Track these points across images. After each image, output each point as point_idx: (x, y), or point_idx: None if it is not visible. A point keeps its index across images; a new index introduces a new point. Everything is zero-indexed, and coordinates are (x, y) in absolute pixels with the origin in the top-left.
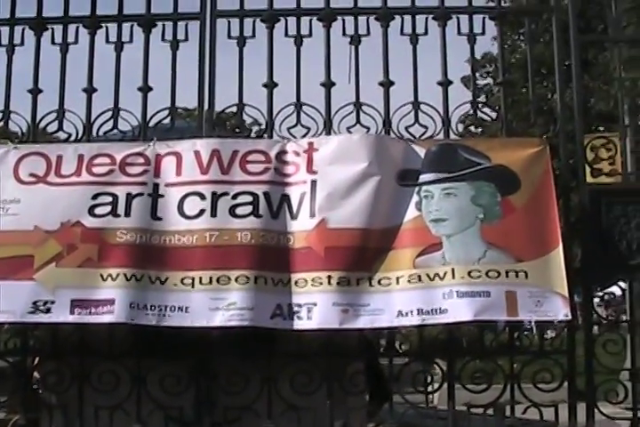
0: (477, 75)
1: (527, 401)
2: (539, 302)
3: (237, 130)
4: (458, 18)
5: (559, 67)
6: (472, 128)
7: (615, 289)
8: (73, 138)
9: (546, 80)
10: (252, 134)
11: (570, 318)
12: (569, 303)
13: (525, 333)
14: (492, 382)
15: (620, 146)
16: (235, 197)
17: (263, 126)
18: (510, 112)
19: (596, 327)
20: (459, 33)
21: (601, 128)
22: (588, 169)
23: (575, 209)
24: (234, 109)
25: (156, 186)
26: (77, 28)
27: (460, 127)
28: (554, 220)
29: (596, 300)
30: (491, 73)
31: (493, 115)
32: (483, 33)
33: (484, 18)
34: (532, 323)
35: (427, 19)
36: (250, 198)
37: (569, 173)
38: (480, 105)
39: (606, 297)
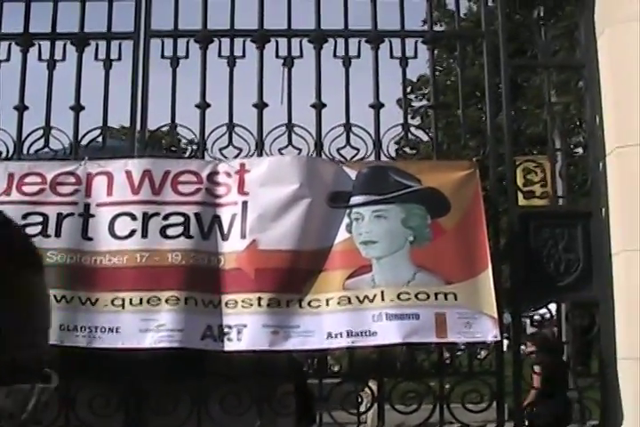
0: (413, 96)
1: (457, 422)
2: (468, 324)
3: (173, 148)
4: (390, 41)
5: (490, 90)
6: (406, 149)
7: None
8: (3, 156)
9: (480, 102)
10: (188, 153)
11: (498, 339)
12: (498, 325)
13: (458, 353)
14: (423, 403)
15: (549, 169)
16: (166, 217)
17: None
18: (445, 133)
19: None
20: (391, 56)
21: (534, 151)
22: (518, 191)
23: (505, 231)
24: (167, 128)
25: (87, 206)
26: (10, 45)
27: (393, 149)
28: (483, 242)
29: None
30: (426, 95)
31: (426, 137)
32: (415, 56)
33: (416, 41)
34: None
35: (360, 42)
36: (181, 219)
37: (499, 195)
38: (412, 127)
39: (536, 318)
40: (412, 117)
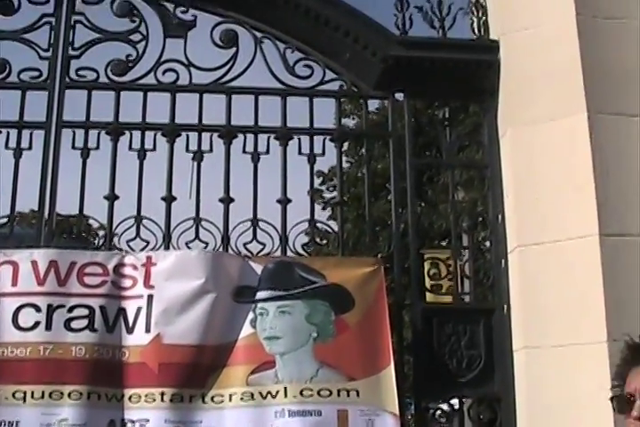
0: (325, 188)
1: None
2: (370, 421)
3: (82, 234)
4: (299, 138)
5: (396, 187)
6: (313, 244)
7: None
8: None
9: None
10: (97, 240)
11: None
12: (399, 422)
13: None
14: None
15: (454, 265)
16: (71, 309)
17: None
18: (355, 225)
19: None
20: (299, 153)
21: (444, 244)
22: (423, 286)
23: (409, 326)
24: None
25: None
26: None
27: (300, 244)
28: (386, 338)
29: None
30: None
31: (335, 230)
32: (323, 154)
33: (324, 139)
34: None
35: (269, 138)
36: (86, 312)
37: (405, 290)
38: (319, 223)
39: (438, 413)
40: (323, 209)
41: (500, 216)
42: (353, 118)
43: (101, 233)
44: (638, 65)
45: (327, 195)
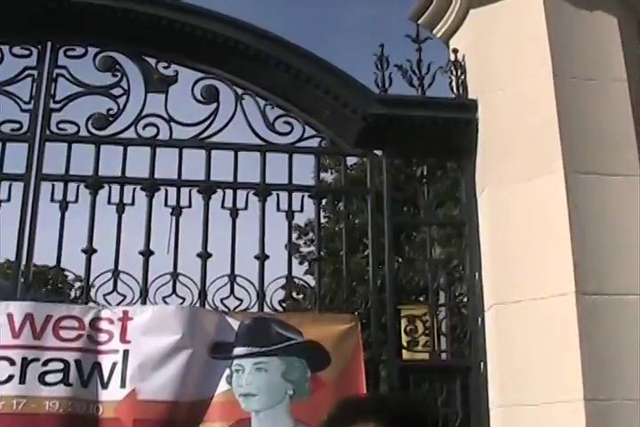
0: (302, 242)
1: None
2: None
3: (60, 286)
4: (278, 194)
5: (373, 244)
6: (290, 300)
7: None
8: None
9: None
10: (75, 293)
11: None
12: None
13: None
14: None
15: (430, 322)
16: (45, 363)
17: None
18: (332, 280)
19: None
20: (278, 209)
21: (421, 300)
22: (400, 343)
23: (386, 382)
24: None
25: None
26: None
27: (277, 300)
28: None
29: None
30: (314, 240)
31: (312, 286)
32: (301, 210)
33: (303, 196)
34: None
35: (248, 194)
36: (61, 365)
37: (381, 346)
38: (296, 279)
39: None
40: (301, 263)
41: (477, 274)
42: (332, 173)
43: (78, 284)
44: (615, 125)
45: (305, 249)
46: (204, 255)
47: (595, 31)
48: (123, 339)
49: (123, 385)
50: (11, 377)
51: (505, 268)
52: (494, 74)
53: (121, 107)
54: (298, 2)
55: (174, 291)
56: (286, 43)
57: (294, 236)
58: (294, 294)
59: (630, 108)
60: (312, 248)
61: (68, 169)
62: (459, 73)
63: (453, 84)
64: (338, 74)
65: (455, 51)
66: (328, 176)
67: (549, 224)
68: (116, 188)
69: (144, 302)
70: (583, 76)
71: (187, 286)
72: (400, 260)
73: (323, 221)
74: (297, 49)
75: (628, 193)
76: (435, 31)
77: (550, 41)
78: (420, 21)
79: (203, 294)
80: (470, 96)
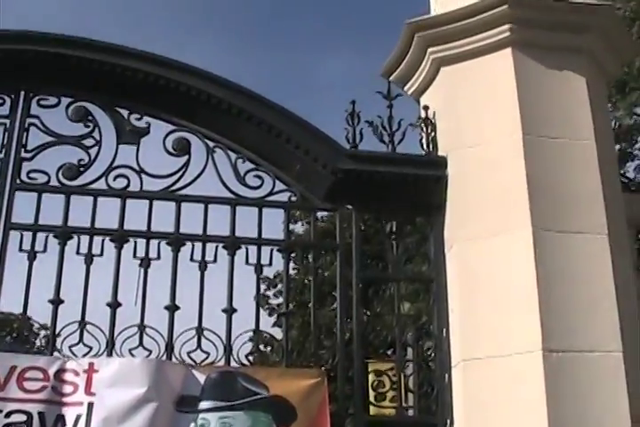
0: (271, 294)
1: None
2: None
3: (26, 334)
4: (247, 248)
5: (341, 298)
6: (258, 354)
7: None
8: None
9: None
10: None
11: None
12: None
13: None
14: None
15: (398, 377)
16: (8, 415)
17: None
18: (301, 332)
19: None
20: (247, 262)
21: (389, 352)
22: (367, 398)
23: None
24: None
25: None
26: None
27: (244, 353)
28: None
29: None
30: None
31: (280, 339)
32: (270, 264)
33: (271, 249)
34: None
35: (217, 247)
36: (24, 417)
37: (347, 400)
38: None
39: None
40: (269, 315)
41: (444, 330)
42: (302, 225)
43: (43, 333)
44: (582, 184)
45: (274, 301)
46: (172, 308)
47: (564, 91)
48: (88, 391)
49: None
50: None
51: (472, 324)
52: (464, 131)
53: (92, 157)
54: (272, 55)
55: (141, 343)
56: (259, 97)
57: (263, 287)
58: (262, 347)
59: (598, 167)
60: (281, 300)
61: (37, 219)
62: (429, 130)
63: (424, 140)
64: (309, 129)
65: (426, 108)
66: (299, 227)
67: (516, 281)
68: (85, 238)
69: (110, 354)
70: (552, 136)
71: (153, 339)
72: (368, 314)
73: (293, 272)
74: (269, 103)
75: (595, 251)
76: (406, 88)
77: (520, 100)
78: (391, 78)
79: (169, 347)
80: (440, 153)
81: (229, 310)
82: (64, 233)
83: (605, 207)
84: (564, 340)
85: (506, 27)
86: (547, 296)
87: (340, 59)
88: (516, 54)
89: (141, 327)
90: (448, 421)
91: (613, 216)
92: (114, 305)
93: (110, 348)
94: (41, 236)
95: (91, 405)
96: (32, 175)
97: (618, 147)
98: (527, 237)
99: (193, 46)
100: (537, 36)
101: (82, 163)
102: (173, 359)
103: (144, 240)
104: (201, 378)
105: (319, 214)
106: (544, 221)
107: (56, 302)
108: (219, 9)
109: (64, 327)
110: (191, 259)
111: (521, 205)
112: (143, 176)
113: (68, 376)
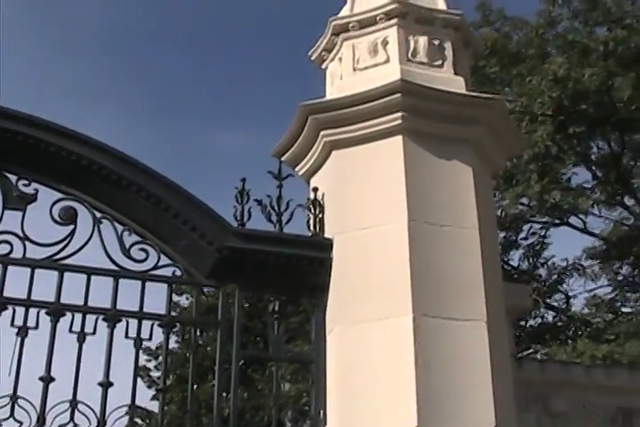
0: (152, 366)
1: None
2: None
3: None
4: (127, 321)
5: (220, 375)
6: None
7: None
8: None
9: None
10: None
11: None
12: None
13: None
14: None
15: None
16: None
17: None
18: (180, 407)
19: None
20: (126, 336)
21: None
22: None
23: None
24: None
25: None
26: None
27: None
28: None
29: None
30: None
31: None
32: (150, 338)
33: (152, 324)
34: None
35: (97, 318)
36: None
37: None
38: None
39: None
40: (149, 387)
41: (321, 411)
42: (187, 298)
43: None
44: (464, 271)
45: (155, 373)
46: (47, 379)
47: (451, 179)
48: None
49: None
50: None
51: (349, 407)
52: (351, 215)
53: None
54: (170, 127)
55: (12, 415)
56: (149, 170)
57: (145, 358)
58: (140, 421)
59: (480, 255)
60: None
61: None
62: (317, 211)
63: (311, 222)
64: (197, 205)
65: (315, 189)
66: (184, 300)
67: (395, 365)
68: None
69: None
70: (437, 222)
71: (25, 410)
72: (246, 393)
73: (175, 345)
74: (159, 177)
75: (474, 337)
76: (298, 168)
77: (407, 186)
78: (284, 158)
79: (41, 420)
80: (327, 235)
81: (105, 384)
82: None
83: (485, 294)
84: (441, 424)
85: (398, 115)
86: (425, 380)
87: (237, 132)
88: (406, 142)
89: (13, 398)
90: None
91: (492, 303)
92: None
93: None
94: None
95: None
96: None
97: (504, 235)
98: (408, 323)
99: (92, 118)
100: (428, 125)
101: None
102: None
103: (23, 308)
104: None
105: (206, 289)
106: (426, 307)
107: None
108: (120, 80)
109: None
110: (70, 330)
111: (403, 290)
112: (27, 243)
113: None
